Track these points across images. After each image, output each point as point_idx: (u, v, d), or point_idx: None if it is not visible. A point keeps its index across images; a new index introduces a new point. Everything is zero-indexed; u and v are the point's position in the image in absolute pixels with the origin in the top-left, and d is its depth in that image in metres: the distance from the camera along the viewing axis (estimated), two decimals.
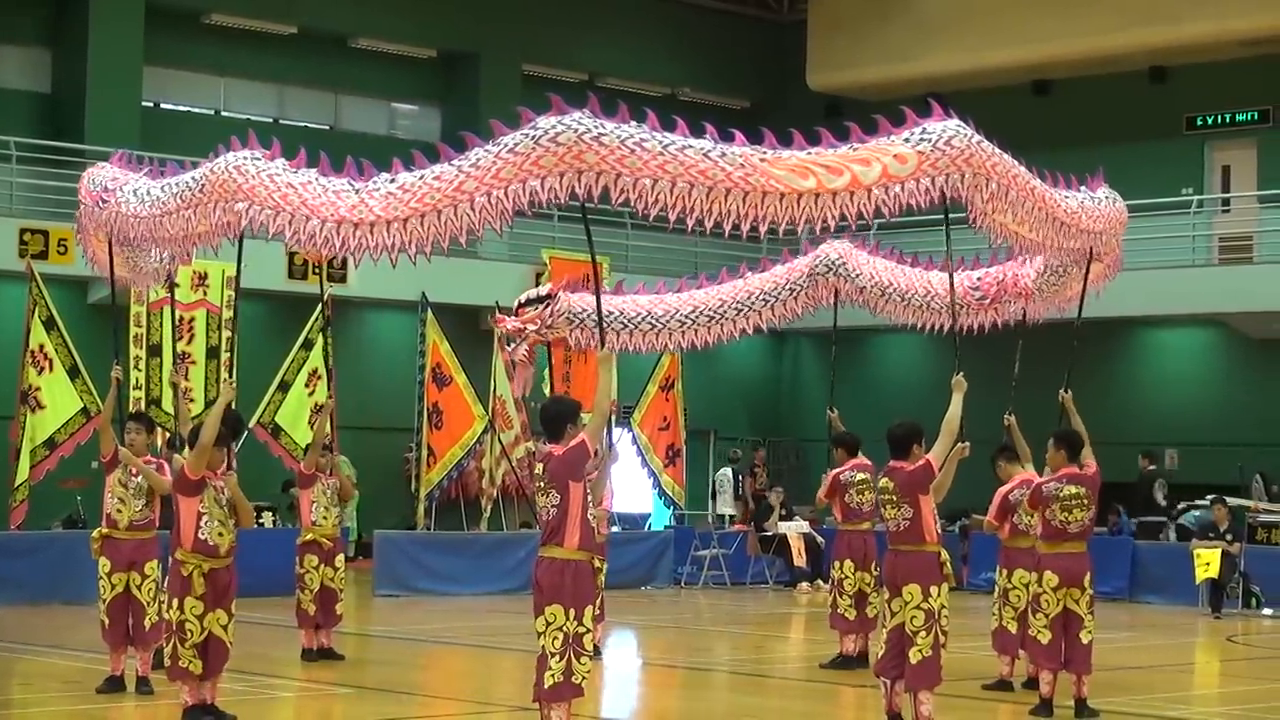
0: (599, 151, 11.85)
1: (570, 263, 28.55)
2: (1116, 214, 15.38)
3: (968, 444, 13.11)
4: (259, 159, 12.98)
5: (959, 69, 34.50)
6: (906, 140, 12.85)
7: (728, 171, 12.23)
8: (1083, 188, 15.10)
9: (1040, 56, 34.24)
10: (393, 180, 12.50)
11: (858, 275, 17.95)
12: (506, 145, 12.03)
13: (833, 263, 18.01)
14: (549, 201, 11.97)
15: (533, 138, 11.90)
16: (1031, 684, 14.78)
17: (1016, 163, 13.57)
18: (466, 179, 12.14)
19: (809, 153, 12.65)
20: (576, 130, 11.85)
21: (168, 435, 16.60)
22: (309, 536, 17.37)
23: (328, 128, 34.20)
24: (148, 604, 14.49)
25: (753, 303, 18.16)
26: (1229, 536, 24.85)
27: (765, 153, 12.49)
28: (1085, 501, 14.27)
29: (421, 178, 12.37)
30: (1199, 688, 18.31)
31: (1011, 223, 13.83)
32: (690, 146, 12.20)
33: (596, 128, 11.89)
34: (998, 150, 13.30)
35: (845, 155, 12.71)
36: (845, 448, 17.69)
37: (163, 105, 32.34)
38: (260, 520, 24.87)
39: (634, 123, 12.08)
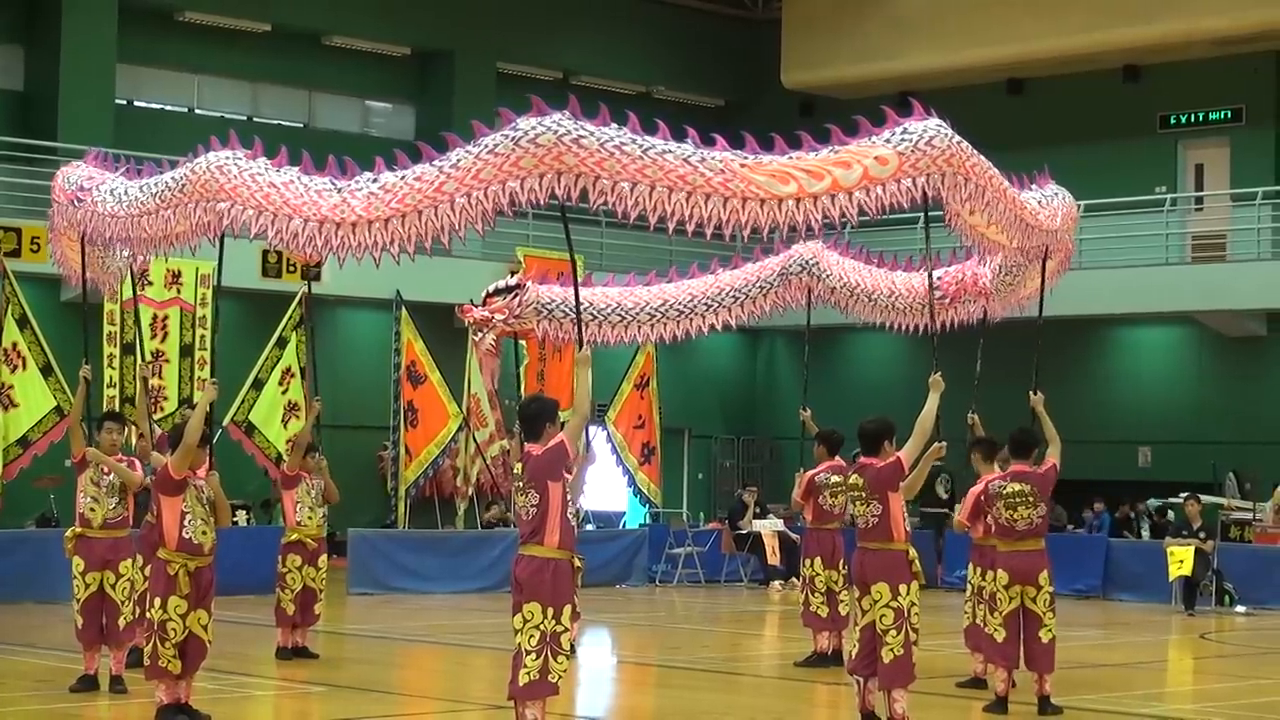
0: (579, 154, 11.85)
1: (544, 260, 28.56)
2: (1068, 210, 15.43)
3: (944, 444, 13.11)
4: (240, 159, 12.96)
5: (933, 68, 34.56)
6: (887, 141, 12.85)
7: (708, 177, 12.23)
8: (1033, 186, 15.13)
9: (1014, 55, 34.30)
10: (375, 180, 12.49)
11: (828, 275, 18.04)
12: (487, 146, 12.03)
13: (805, 262, 18.09)
14: (529, 203, 11.97)
15: (513, 139, 11.89)
16: None
17: (990, 164, 13.59)
18: (447, 179, 12.14)
19: (789, 157, 12.64)
20: (556, 132, 11.85)
21: (163, 434, 16.52)
22: (293, 537, 17.33)
23: (301, 125, 34.15)
24: (122, 603, 14.45)
25: (723, 299, 18.21)
26: (1202, 534, 24.91)
27: (746, 157, 12.48)
28: (1031, 499, 14.28)
29: (403, 178, 12.37)
30: (1172, 685, 18.35)
31: (983, 223, 13.87)
32: (670, 151, 12.20)
33: (576, 130, 11.89)
34: (975, 151, 13.31)
35: (826, 159, 12.69)
36: (827, 445, 17.67)
37: (136, 103, 32.26)
38: (234, 519, 24.83)
39: (615, 125, 12.08)
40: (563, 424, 11.35)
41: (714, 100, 38.67)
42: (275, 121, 33.51)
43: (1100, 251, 31.65)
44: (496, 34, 35.27)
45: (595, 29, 37.04)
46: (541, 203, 12.05)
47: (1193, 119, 34.03)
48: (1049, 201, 15.07)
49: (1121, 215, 32.04)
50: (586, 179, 11.94)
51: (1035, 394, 15.03)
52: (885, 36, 35.34)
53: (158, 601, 12.63)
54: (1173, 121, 34.18)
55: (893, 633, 12.70)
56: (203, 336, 26.12)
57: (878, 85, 33.80)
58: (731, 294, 18.19)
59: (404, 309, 26.27)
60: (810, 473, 17.63)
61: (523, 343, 22.16)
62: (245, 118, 33.00)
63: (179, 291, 26.10)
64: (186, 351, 26.17)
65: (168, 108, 32.93)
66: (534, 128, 11.88)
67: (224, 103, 33.32)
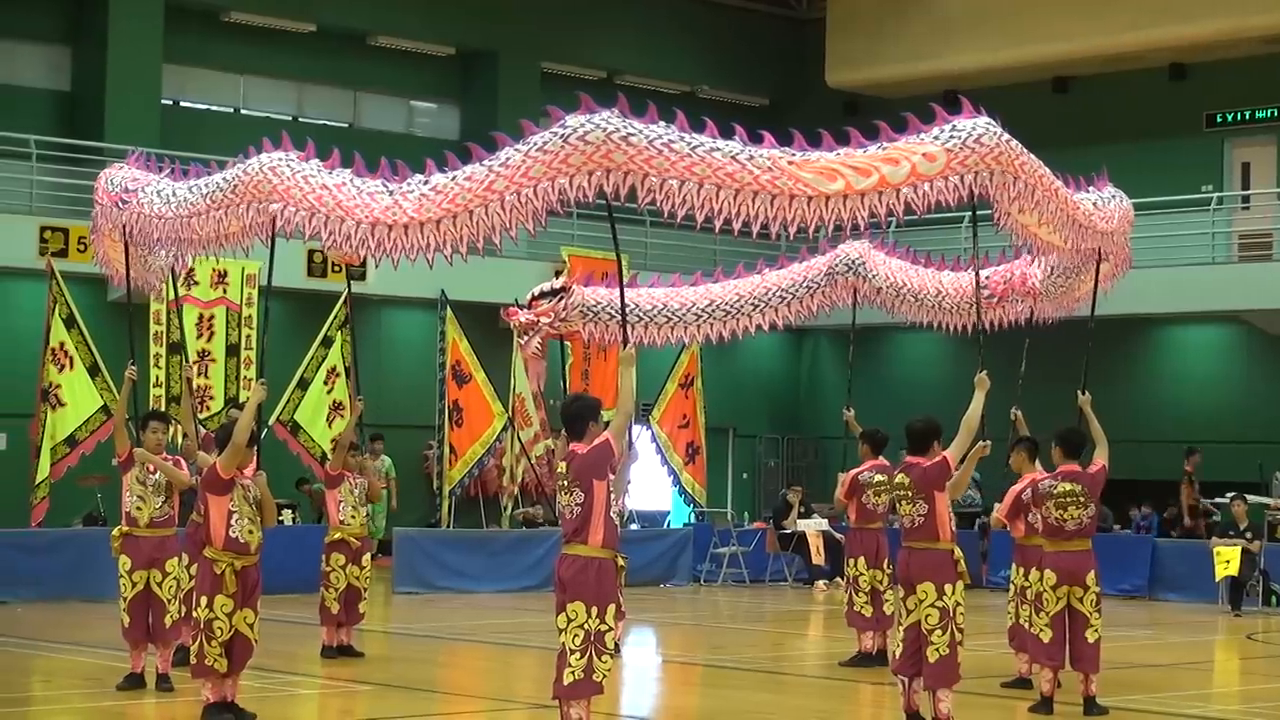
0: (627, 151, 11.85)
1: (590, 260, 28.58)
2: (1124, 213, 15.36)
3: (988, 443, 13.09)
4: (293, 160, 12.99)
5: (978, 66, 34.47)
6: (936, 138, 12.81)
7: (755, 174, 12.21)
8: (1090, 188, 15.07)
9: (1060, 54, 34.19)
10: (426, 182, 12.51)
11: (874, 275, 18.00)
12: (536, 144, 12.04)
13: (852, 262, 18.06)
14: (577, 200, 11.98)
15: (562, 136, 11.91)
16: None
17: (1041, 163, 13.54)
18: (497, 178, 12.15)
19: (837, 154, 12.61)
20: (605, 130, 11.86)
21: (208, 433, 16.62)
22: (336, 535, 17.39)
23: (346, 125, 34.23)
24: (168, 601, 14.51)
25: (770, 299, 18.17)
26: (1249, 534, 24.83)
27: (793, 155, 12.47)
28: (1081, 499, 14.24)
29: (453, 178, 12.38)
30: (1219, 685, 18.28)
31: (1034, 223, 13.81)
32: (718, 148, 12.19)
33: (625, 127, 11.90)
34: (1025, 149, 13.27)
35: (873, 155, 12.66)
36: (871, 444, 17.66)
37: (182, 103, 32.37)
38: (280, 518, 24.90)
39: (663, 123, 12.08)
40: (606, 423, 11.36)
41: (758, 100, 38.64)
42: (320, 122, 33.61)
43: (1146, 251, 31.44)
44: (540, 33, 35.31)
45: (639, 28, 37.05)
46: (590, 200, 12.06)
47: (1239, 117, 33.86)
48: (1105, 204, 15.00)
49: (1168, 214, 31.88)
50: (635, 176, 11.95)
51: (1083, 394, 14.99)
52: (929, 35, 35.27)
53: (204, 600, 12.67)
54: (1219, 120, 34.02)
55: (938, 632, 12.68)
56: (248, 336, 26.20)
57: (922, 84, 33.73)
58: (778, 294, 18.15)
59: (449, 308, 26.29)
60: (853, 472, 17.63)
61: (568, 342, 22.18)
62: (290, 118, 33.12)
63: (225, 291, 26.17)
64: (233, 351, 26.25)
65: (213, 108, 33.04)
66: (583, 125, 11.89)
67: (269, 103, 33.43)
